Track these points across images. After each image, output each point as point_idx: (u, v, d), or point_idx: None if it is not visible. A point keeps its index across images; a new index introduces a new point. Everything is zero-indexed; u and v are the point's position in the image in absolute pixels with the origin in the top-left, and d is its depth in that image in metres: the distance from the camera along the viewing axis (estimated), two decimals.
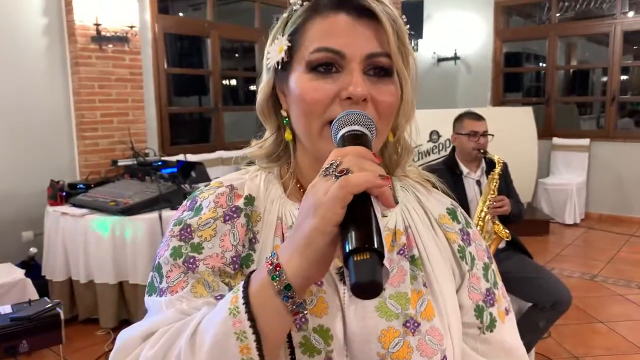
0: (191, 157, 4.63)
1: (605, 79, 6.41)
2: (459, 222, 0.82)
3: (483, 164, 2.75)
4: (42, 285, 3.27)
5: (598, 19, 6.29)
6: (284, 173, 0.79)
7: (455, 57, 6.95)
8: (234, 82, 7.58)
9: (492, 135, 2.74)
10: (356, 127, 0.62)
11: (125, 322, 3.31)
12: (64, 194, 3.56)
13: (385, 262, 0.51)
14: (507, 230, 2.56)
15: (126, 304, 3.29)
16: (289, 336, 0.66)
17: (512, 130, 4.90)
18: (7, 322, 2.17)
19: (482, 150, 2.67)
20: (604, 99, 6.31)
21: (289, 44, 0.70)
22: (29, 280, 2.88)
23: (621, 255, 4.77)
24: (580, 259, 4.77)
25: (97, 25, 4.02)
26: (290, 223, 0.73)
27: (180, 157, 4.56)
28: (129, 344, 0.63)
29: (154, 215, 3.19)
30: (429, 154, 5.13)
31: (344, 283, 0.71)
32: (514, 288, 2.64)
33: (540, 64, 7.56)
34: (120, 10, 4.19)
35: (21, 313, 2.14)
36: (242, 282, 0.58)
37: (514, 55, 7.55)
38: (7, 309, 2.28)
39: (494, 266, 0.83)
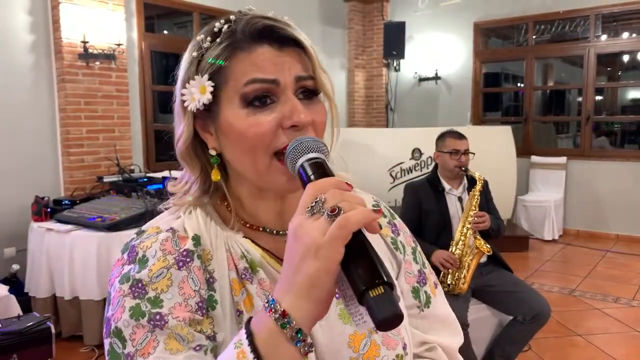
0: (176, 174, 4.61)
1: (580, 99, 6.60)
2: (385, 216, 0.87)
3: (464, 181, 2.84)
4: (25, 302, 3.23)
5: (573, 42, 6.50)
6: (218, 206, 0.77)
7: (436, 77, 7.10)
8: None
9: (473, 154, 2.83)
10: (313, 155, 0.62)
11: None
12: (49, 210, 3.55)
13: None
14: (488, 245, 2.64)
15: None
16: None
17: (491, 149, 5.03)
18: None
19: (463, 168, 2.76)
20: (580, 119, 6.51)
21: (213, 84, 0.68)
22: (13, 297, 2.84)
23: (598, 270, 4.89)
24: (559, 274, 4.87)
25: (85, 42, 4.06)
26: (240, 254, 0.72)
27: (166, 173, 4.57)
28: None
29: None
30: (411, 171, 5.23)
31: None
32: (495, 301, 2.72)
33: (519, 84, 7.75)
34: (108, 28, 4.24)
35: (12, 327, 2.13)
36: (244, 335, 0.55)
37: (493, 75, 7.72)
38: None
39: (419, 248, 0.89)
